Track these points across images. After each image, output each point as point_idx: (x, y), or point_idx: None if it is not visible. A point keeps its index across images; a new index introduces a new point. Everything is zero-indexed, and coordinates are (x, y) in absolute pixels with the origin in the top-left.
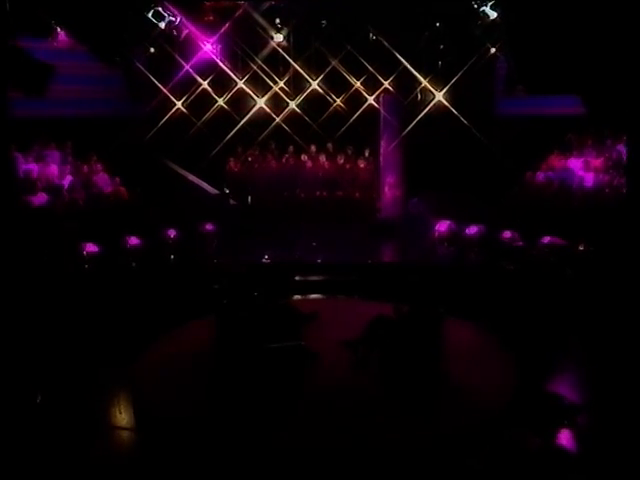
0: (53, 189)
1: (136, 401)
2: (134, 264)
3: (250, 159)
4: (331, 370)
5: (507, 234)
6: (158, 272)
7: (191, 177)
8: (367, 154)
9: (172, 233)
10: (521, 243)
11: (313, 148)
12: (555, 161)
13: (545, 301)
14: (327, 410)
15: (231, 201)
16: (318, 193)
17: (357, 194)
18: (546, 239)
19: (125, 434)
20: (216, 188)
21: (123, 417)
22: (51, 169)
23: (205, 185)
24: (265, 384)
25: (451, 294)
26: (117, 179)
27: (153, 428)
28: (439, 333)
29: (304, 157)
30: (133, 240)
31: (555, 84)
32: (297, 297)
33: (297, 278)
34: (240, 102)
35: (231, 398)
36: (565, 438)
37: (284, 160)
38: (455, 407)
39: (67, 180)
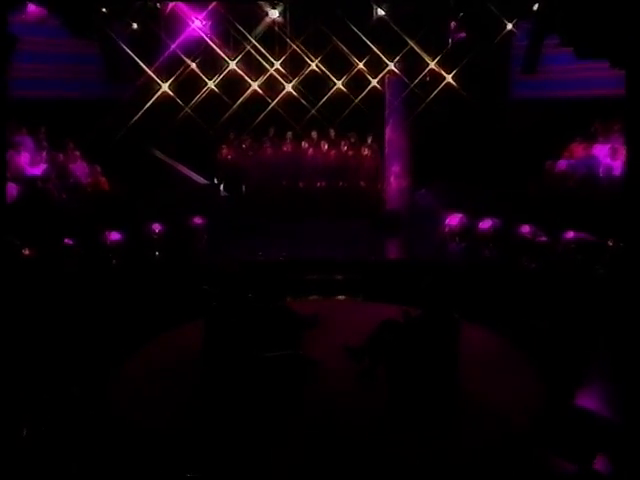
0: (25, 179)
1: (111, 420)
2: (114, 262)
3: (244, 146)
4: (333, 381)
5: (525, 228)
6: (141, 271)
7: (178, 166)
8: (371, 141)
9: (157, 228)
10: (545, 238)
11: (314, 134)
12: (578, 148)
13: (573, 304)
14: (328, 427)
15: (223, 192)
16: (319, 183)
17: (360, 185)
18: (570, 234)
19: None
20: (206, 178)
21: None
22: (23, 157)
23: (194, 175)
24: (259, 398)
25: (464, 295)
26: (97, 168)
27: (131, 450)
28: (454, 340)
29: (304, 144)
30: (114, 235)
31: (606, 47)
32: (295, 299)
33: (295, 277)
34: (232, 85)
35: (220, 415)
36: (601, 462)
37: (282, 147)
38: (473, 424)
39: (40, 169)
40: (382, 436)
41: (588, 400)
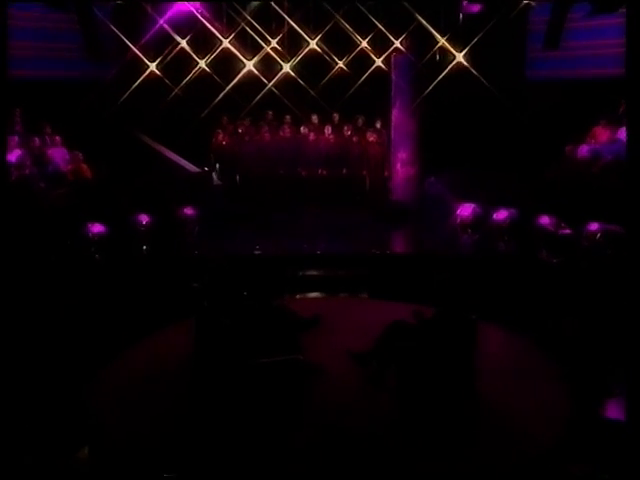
0: None
1: (90, 432)
2: (97, 256)
3: (240, 131)
4: (336, 389)
5: (544, 219)
6: (126, 266)
7: (167, 152)
8: (376, 126)
9: (144, 219)
10: (568, 230)
11: (315, 118)
12: (602, 132)
13: (600, 303)
14: (331, 440)
15: (215, 181)
16: (320, 171)
17: (365, 172)
18: (593, 225)
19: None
20: (197, 165)
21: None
22: None
23: (184, 162)
24: (254, 408)
25: (478, 293)
26: (78, 154)
27: (112, 466)
28: (471, 343)
29: (304, 129)
30: (97, 227)
31: None
32: (294, 296)
33: (294, 273)
34: (226, 65)
35: (210, 427)
36: None
37: (281, 132)
38: (493, 438)
39: (15, 155)
40: (391, 451)
41: (620, 411)
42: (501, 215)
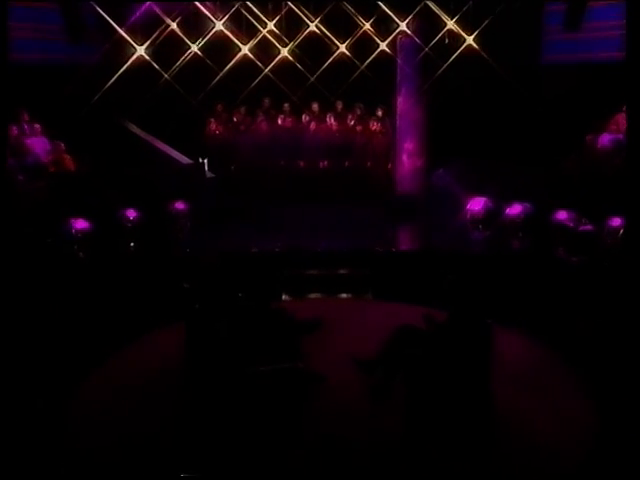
0: None
1: (68, 450)
2: (81, 254)
3: (235, 120)
4: (338, 400)
5: (562, 214)
6: (112, 265)
7: (157, 143)
8: (380, 114)
9: (132, 214)
10: (590, 226)
11: (315, 106)
12: (624, 120)
13: (627, 306)
14: (333, 455)
15: (209, 173)
16: (321, 163)
17: (369, 164)
18: (616, 221)
19: None
20: (189, 157)
21: None
22: None
23: (175, 153)
24: (251, 421)
25: (491, 294)
26: (60, 144)
27: None
28: (486, 351)
29: (304, 118)
30: (80, 223)
31: None
32: (293, 298)
33: (293, 272)
34: (219, 49)
35: (204, 442)
36: None
37: (279, 121)
38: (513, 455)
39: None
40: (396, 467)
41: None
42: (515, 210)
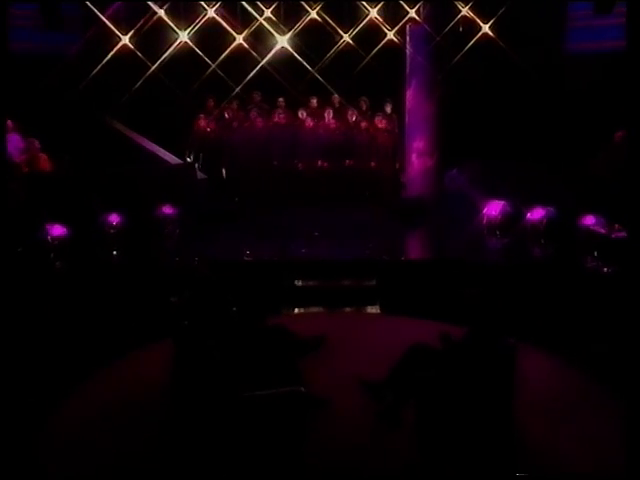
0: None
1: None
2: (58, 264)
3: (227, 116)
4: (344, 427)
5: (590, 219)
6: (93, 276)
7: (143, 141)
8: (387, 109)
9: (114, 219)
10: (623, 233)
11: (314, 101)
12: None
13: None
14: None
15: (199, 174)
16: (321, 163)
17: (374, 164)
18: None
19: None
20: (178, 157)
21: None
22: None
23: (162, 152)
24: (247, 452)
25: (514, 309)
26: (35, 142)
27: None
28: (509, 374)
29: (302, 113)
30: (57, 229)
31: None
32: (292, 312)
33: (291, 283)
34: (211, 38)
35: (191, 476)
36: None
37: (274, 118)
38: None
39: None
40: None
41: None
42: (536, 214)
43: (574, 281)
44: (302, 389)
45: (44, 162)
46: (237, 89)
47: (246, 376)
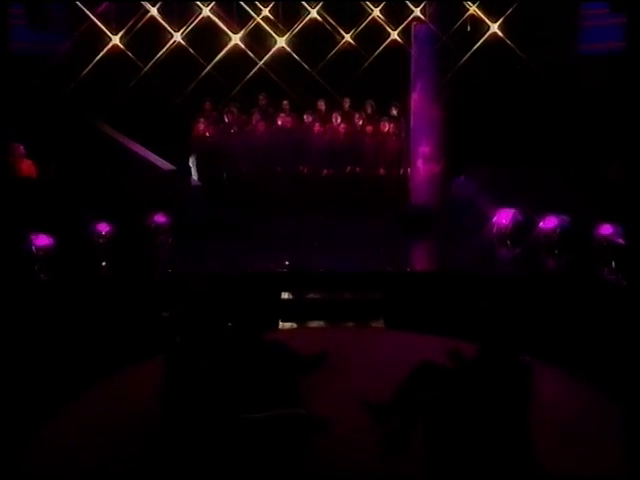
0: None
1: None
2: (43, 276)
3: (226, 120)
4: (347, 452)
5: (607, 229)
6: (80, 289)
7: (134, 146)
8: (392, 113)
9: (104, 228)
10: None
11: (321, 104)
12: None
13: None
14: None
15: (195, 181)
16: (325, 170)
17: (379, 171)
18: None
19: None
20: (171, 162)
21: None
22: None
23: (155, 157)
24: (242, 477)
25: (528, 324)
26: (19, 147)
27: None
28: (524, 395)
29: (306, 118)
30: (42, 239)
31: None
32: (291, 326)
33: (292, 296)
34: (207, 38)
35: None
36: None
37: (278, 121)
38: None
39: None
40: None
41: None
42: (549, 223)
43: (590, 294)
44: (302, 411)
45: (29, 168)
46: (234, 91)
47: (242, 397)
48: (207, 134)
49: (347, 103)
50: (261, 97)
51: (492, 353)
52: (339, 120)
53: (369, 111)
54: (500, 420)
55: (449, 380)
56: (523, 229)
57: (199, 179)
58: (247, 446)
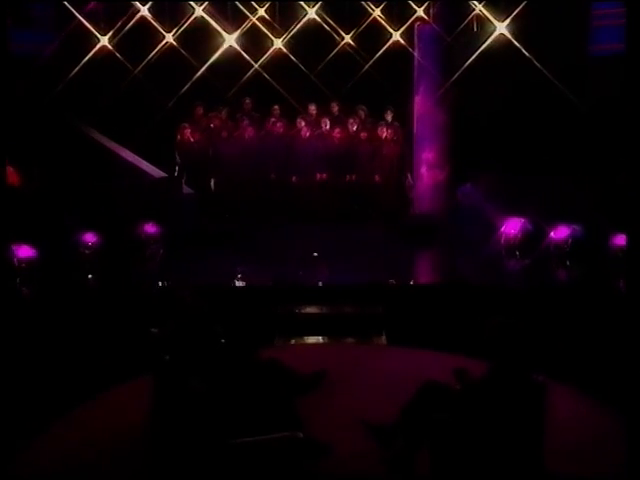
0: None
1: None
2: (25, 289)
3: (215, 124)
4: (348, 477)
5: (621, 239)
6: (64, 303)
7: (123, 152)
8: (392, 118)
9: (90, 239)
10: None
11: (312, 109)
12: None
13: None
14: None
15: (185, 189)
16: (319, 176)
17: (378, 178)
18: None
19: None
20: (161, 169)
21: None
22: None
23: (144, 164)
24: None
25: (540, 341)
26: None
27: None
28: (540, 416)
29: (300, 122)
30: (24, 250)
31: None
32: (288, 343)
33: (288, 310)
34: (199, 39)
35: None
36: None
37: (268, 126)
38: None
39: None
40: None
41: None
42: (560, 233)
43: (605, 308)
44: (300, 434)
45: (11, 175)
46: (229, 94)
47: (236, 419)
48: (194, 140)
49: (335, 107)
50: (247, 101)
51: (503, 372)
52: (328, 125)
53: (362, 117)
54: (511, 445)
55: (457, 401)
56: (533, 239)
57: (188, 187)
58: (241, 473)
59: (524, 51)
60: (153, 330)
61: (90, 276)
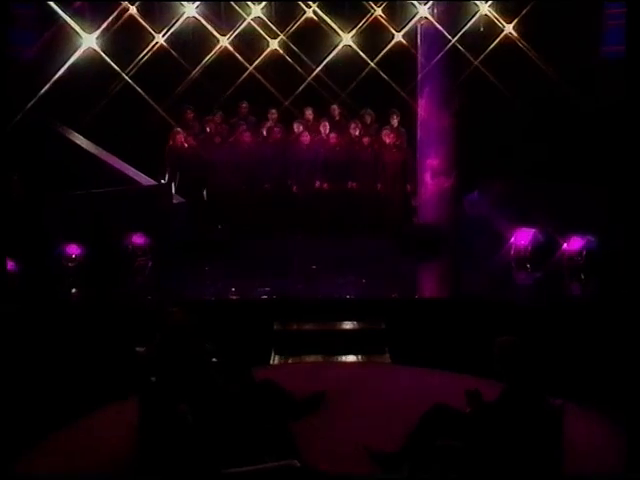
0: None
1: None
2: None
3: (208, 129)
4: None
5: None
6: (46, 318)
7: (110, 159)
8: (396, 122)
9: (74, 250)
10: None
11: (309, 113)
12: None
13: None
14: None
15: (176, 197)
16: (318, 184)
17: (380, 186)
18: None
19: None
20: (151, 177)
21: None
22: None
23: (133, 172)
24: None
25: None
26: None
27: None
28: (557, 441)
29: (298, 127)
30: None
31: None
32: (285, 361)
33: (285, 327)
34: (192, 40)
35: None
36: None
37: (264, 131)
38: None
39: None
40: None
41: None
42: (574, 244)
43: (623, 324)
44: (296, 462)
45: None
46: (224, 97)
47: (227, 446)
48: (187, 145)
49: (336, 111)
50: (243, 105)
51: (517, 395)
52: (327, 130)
53: (368, 121)
54: (527, 472)
55: (468, 426)
56: (544, 251)
57: (180, 195)
58: None
59: (532, 52)
60: (139, 349)
61: (73, 290)
